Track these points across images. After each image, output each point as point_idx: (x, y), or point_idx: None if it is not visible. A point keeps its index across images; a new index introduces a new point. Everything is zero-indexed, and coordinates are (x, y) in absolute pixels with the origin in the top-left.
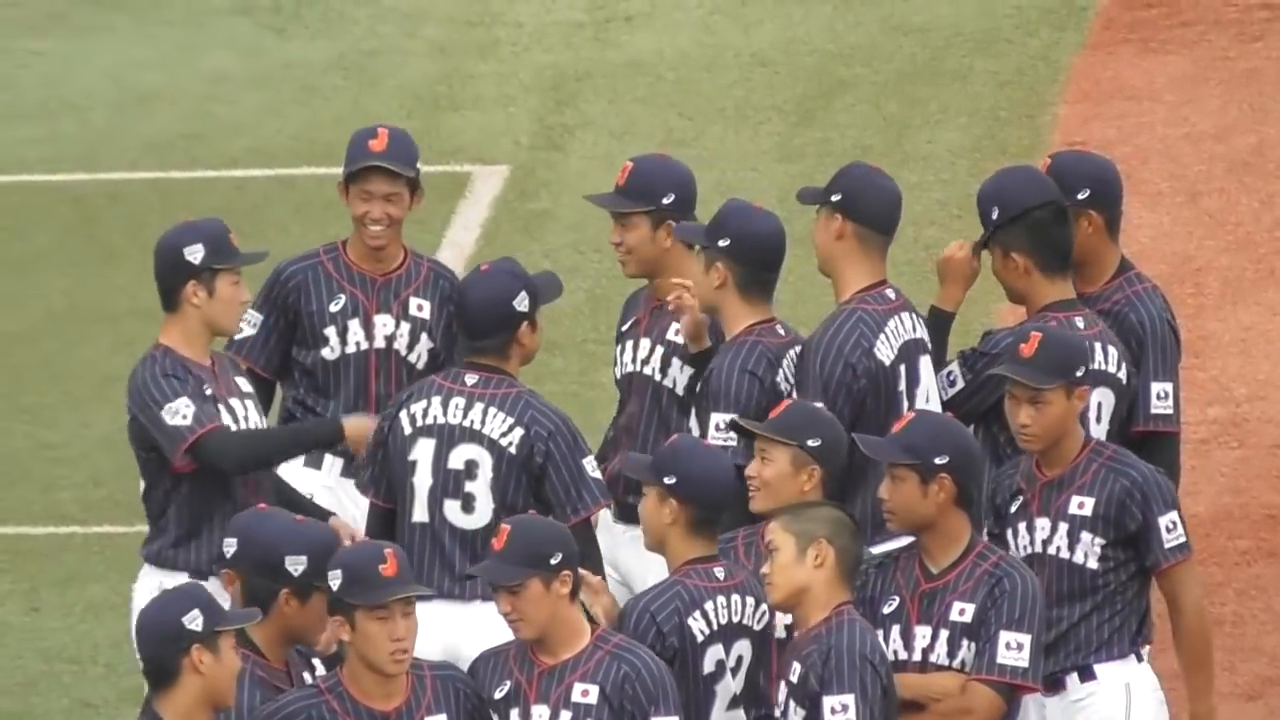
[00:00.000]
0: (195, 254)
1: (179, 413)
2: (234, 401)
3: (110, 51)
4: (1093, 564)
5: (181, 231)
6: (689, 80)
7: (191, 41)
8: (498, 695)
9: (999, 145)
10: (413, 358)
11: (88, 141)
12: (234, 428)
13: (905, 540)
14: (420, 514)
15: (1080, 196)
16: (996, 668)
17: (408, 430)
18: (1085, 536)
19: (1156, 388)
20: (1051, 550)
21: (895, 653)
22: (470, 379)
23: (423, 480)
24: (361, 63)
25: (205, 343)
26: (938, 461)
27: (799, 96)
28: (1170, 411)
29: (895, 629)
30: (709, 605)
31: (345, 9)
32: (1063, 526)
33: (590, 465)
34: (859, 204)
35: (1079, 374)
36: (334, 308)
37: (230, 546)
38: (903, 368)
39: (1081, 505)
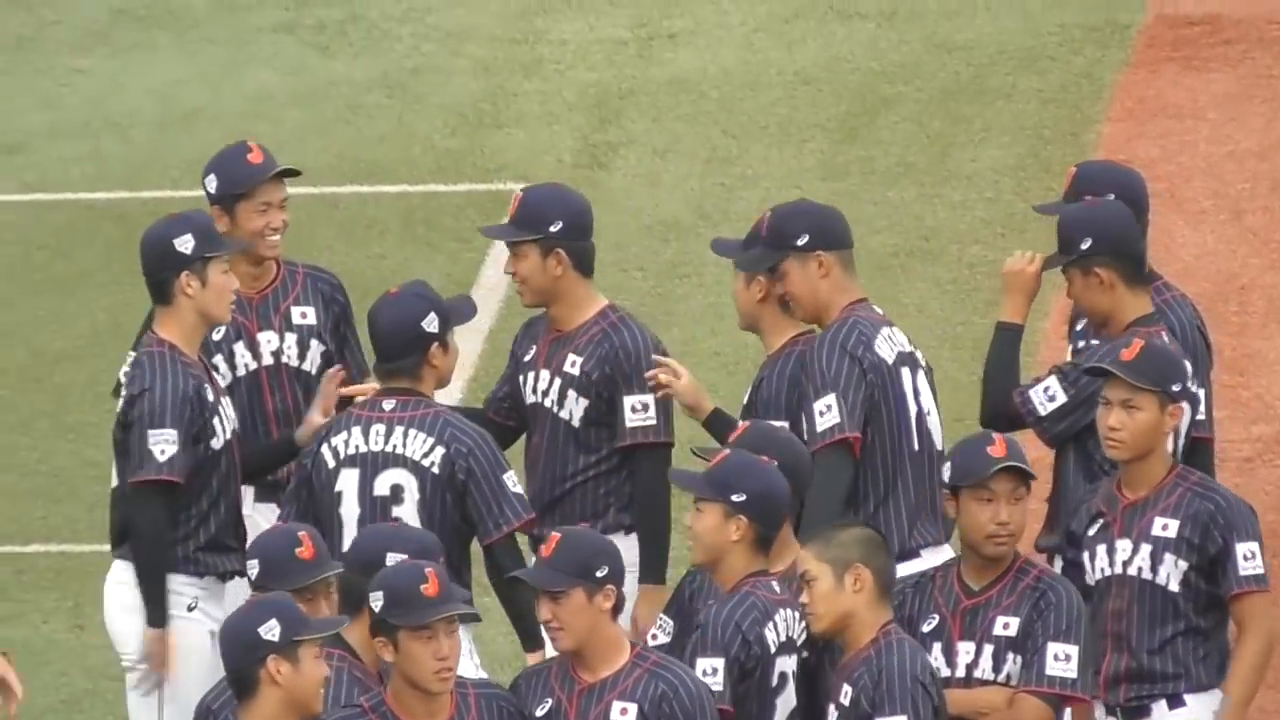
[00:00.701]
0: (186, 244)
1: (160, 443)
2: (223, 401)
3: (153, 70)
4: (1174, 586)
5: (168, 224)
6: (732, 98)
7: (235, 60)
8: (539, 713)
9: (1042, 163)
10: (306, 365)
11: (131, 160)
12: (224, 432)
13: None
14: (350, 543)
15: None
16: (1046, 679)
17: (331, 463)
18: (1168, 558)
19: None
20: (1132, 571)
21: (938, 670)
22: (387, 404)
23: (350, 510)
24: (405, 81)
25: (200, 335)
26: None
27: (842, 114)
28: (1204, 418)
29: (936, 646)
30: (778, 617)
31: (389, 27)
32: (1145, 548)
33: (511, 480)
34: (828, 234)
35: (1175, 389)
36: (216, 335)
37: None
38: (904, 371)
39: (1165, 527)
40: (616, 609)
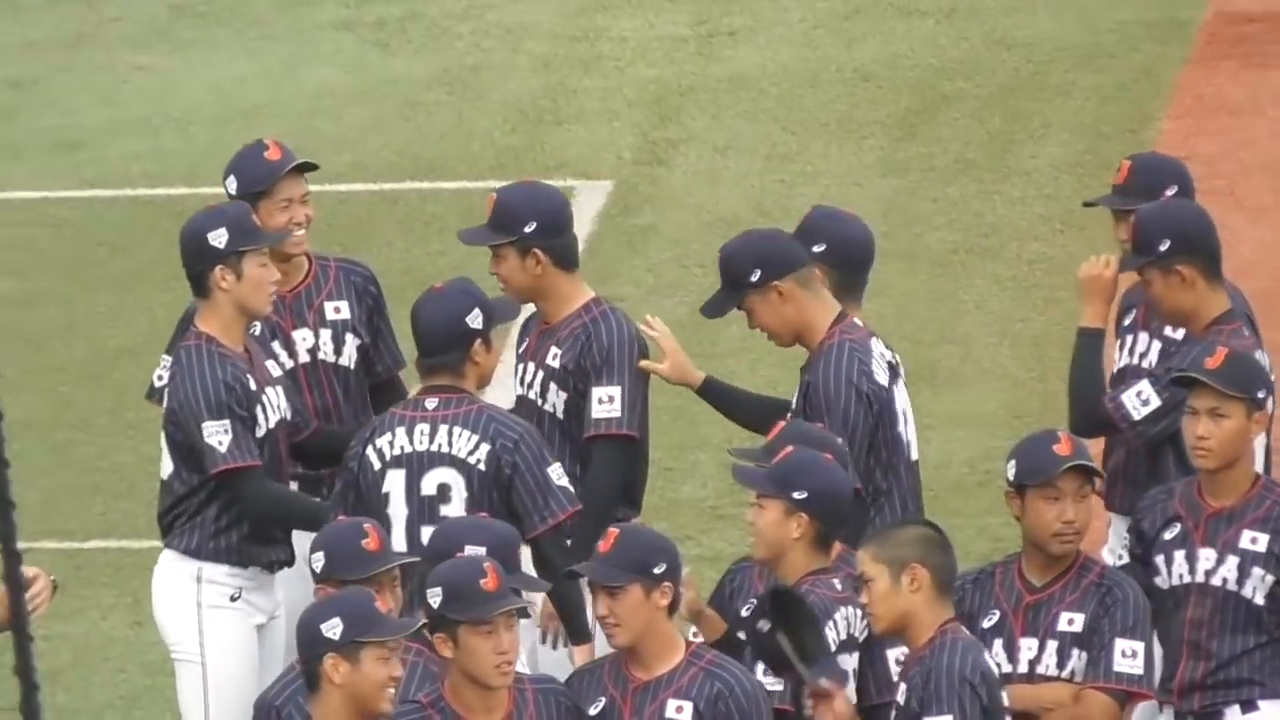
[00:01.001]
0: (219, 238)
1: (216, 434)
2: (269, 391)
3: (213, 66)
4: (1260, 599)
5: (204, 217)
6: (792, 95)
7: (295, 57)
8: (593, 712)
9: (1102, 160)
10: (343, 360)
11: (190, 156)
12: (268, 421)
13: None
14: (398, 544)
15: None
16: (1114, 675)
17: (377, 465)
18: (1257, 572)
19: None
20: (1216, 581)
21: (999, 666)
22: (430, 403)
23: (398, 511)
24: (465, 78)
25: (242, 327)
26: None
27: (902, 111)
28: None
29: (998, 642)
30: (838, 615)
31: (449, 24)
32: (1232, 560)
33: (556, 473)
34: (774, 262)
35: (1260, 395)
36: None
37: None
38: (894, 387)
39: (1255, 540)
40: (672, 606)
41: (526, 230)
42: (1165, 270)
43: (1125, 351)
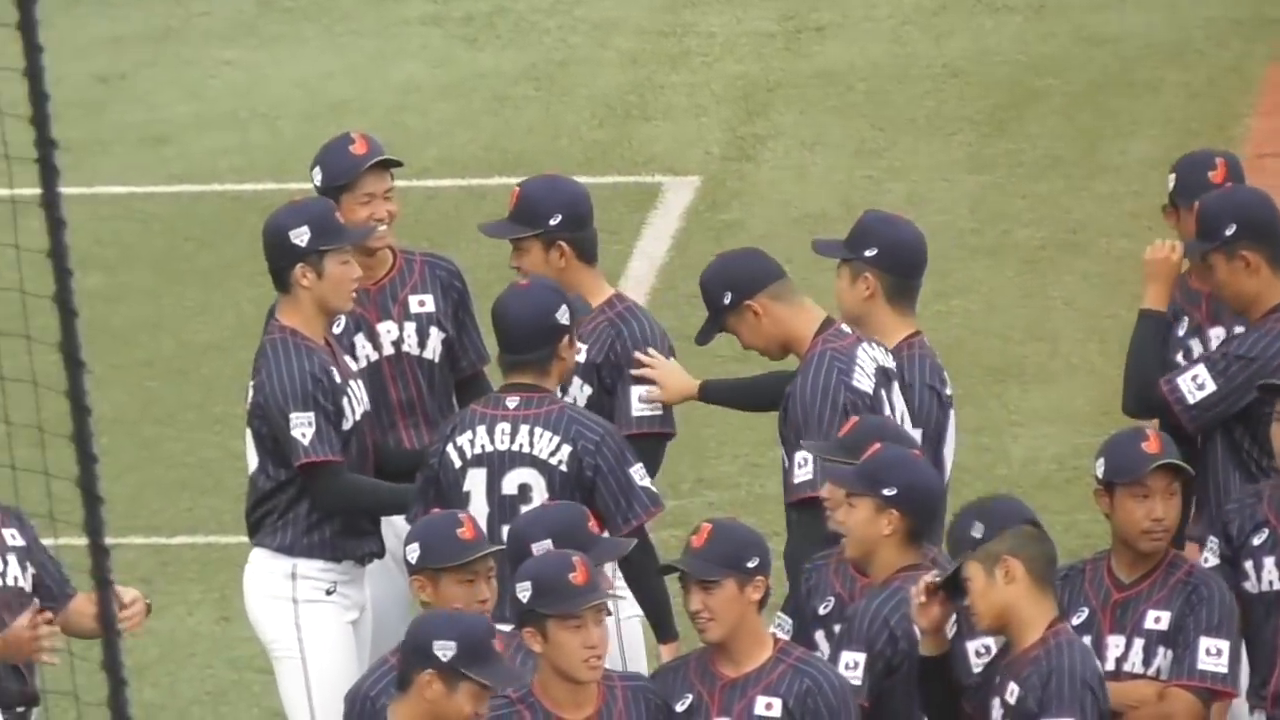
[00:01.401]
0: (301, 236)
1: (300, 426)
2: (352, 384)
3: (300, 61)
4: None
5: (287, 213)
6: (880, 91)
7: (382, 52)
8: (679, 708)
9: None
10: (427, 354)
11: (278, 151)
12: (354, 413)
13: None
14: None
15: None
16: (1198, 673)
17: (457, 464)
18: None
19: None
20: None
21: None
22: (511, 402)
23: (479, 509)
24: (553, 73)
25: (323, 323)
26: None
27: (991, 107)
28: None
29: (1086, 639)
30: None
31: (536, 19)
32: None
33: (639, 473)
34: (744, 281)
35: None
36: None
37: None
38: (883, 393)
39: None
40: (763, 601)
41: (552, 223)
42: (1230, 256)
43: (1222, 344)
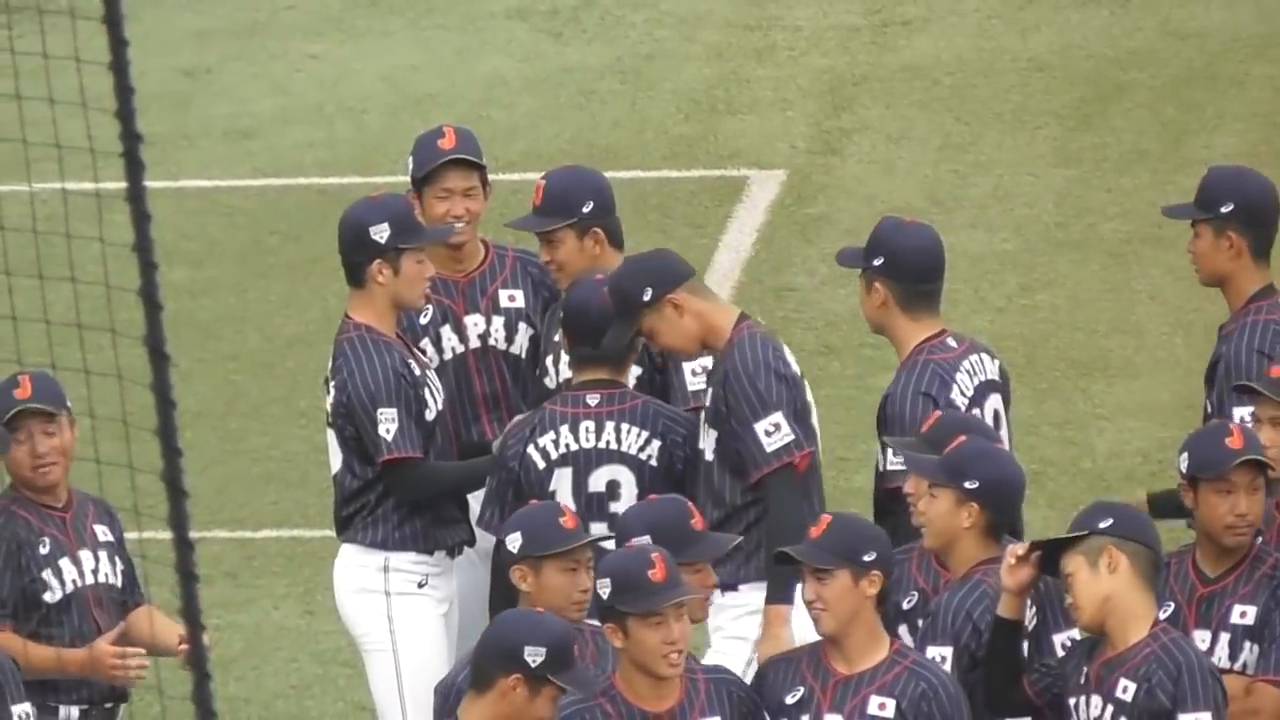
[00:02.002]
0: (381, 233)
1: (384, 423)
2: (430, 375)
3: (386, 55)
4: None
5: (366, 209)
6: (966, 84)
7: (468, 46)
8: (789, 700)
9: (1275, 151)
10: (514, 349)
11: (363, 145)
12: (436, 404)
13: None
14: None
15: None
16: None
17: (541, 465)
18: None
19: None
20: None
21: None
22: (592, 399)
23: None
24: (638, 66)
25: (394, 318)
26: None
27: (1076, 101)
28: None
29: None
30: None
31: (623, 13)
32: None
33: None
34: (663, 278)
35: None
36: (423, 320)
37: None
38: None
39: None
40: (880, 597)
41: (584, 210)
42: (1218, 232)
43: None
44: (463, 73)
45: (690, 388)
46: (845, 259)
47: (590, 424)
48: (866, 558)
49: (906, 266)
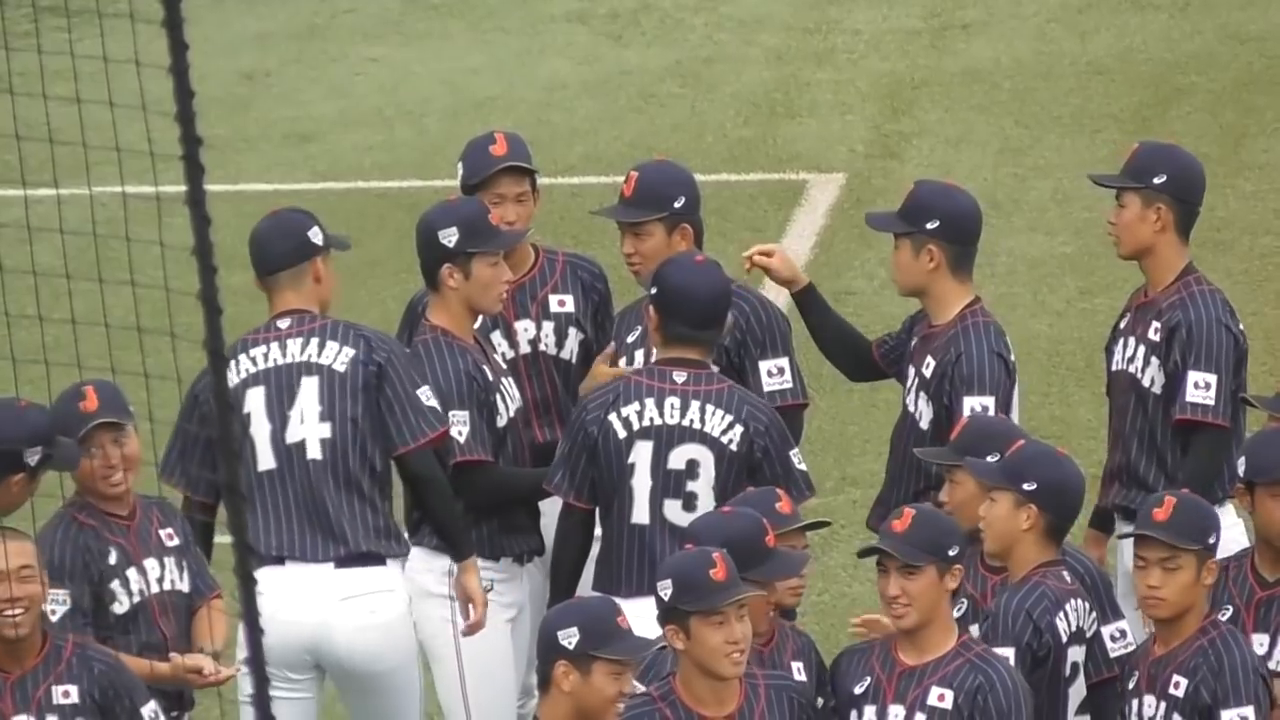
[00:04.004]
0: (449, 237)
1: (456, 425)
2: (504, 381)
3: (446, 58)
4: None
5: (439, 213)
6: (1025, 88)
7: (528, 49)
8: (856, 690)
9: None
10: (564, 354)
11: (423, 148)
12: (508, 409)
13: None
14: (640, 515)
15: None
16: None
17: (622, 434)
18: None
19: (1195, 377)
20: None
21: None
22: (679, 376)
23: (642, 482)
24: (698, 70)
25: (470, 322)
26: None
27: (1135, 105)
28: (1210, 402)
29: None
30: (1068, 606)
31: (683, 16)
32: None
33: (797, 458)
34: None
35: (1211, 541)
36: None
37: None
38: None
39: None
40: (956, 593)
41: (675, 205)
42: (1147, 203)
43: (1120, 355)
44: (522, 76)
45: (766, 389)
46: (879, 222)
47: (675, 400)
48: (951, 552)
49: (964, 228)
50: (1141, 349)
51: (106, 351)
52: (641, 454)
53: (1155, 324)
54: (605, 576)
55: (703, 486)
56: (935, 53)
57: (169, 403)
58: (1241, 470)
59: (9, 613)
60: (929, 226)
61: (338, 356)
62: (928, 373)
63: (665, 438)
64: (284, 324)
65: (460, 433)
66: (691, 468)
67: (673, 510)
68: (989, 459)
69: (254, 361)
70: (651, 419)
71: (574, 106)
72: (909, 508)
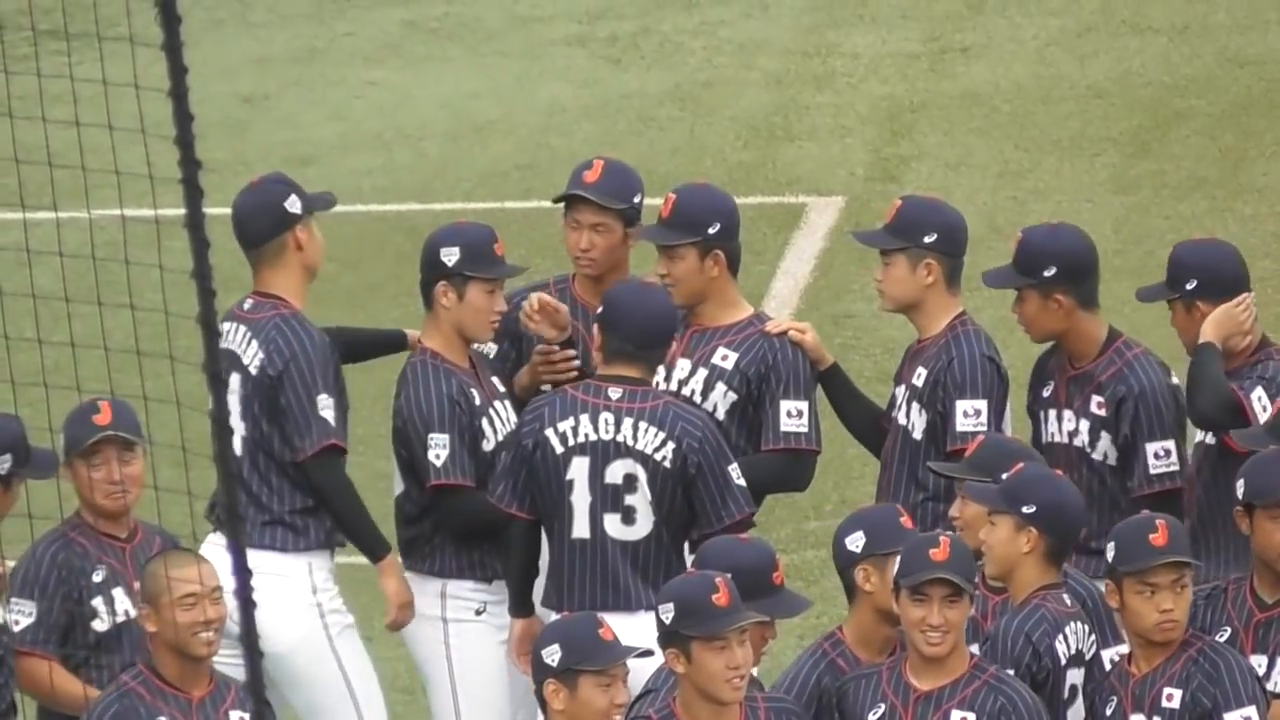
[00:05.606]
0: (450, 256)
1: (435, 448)
2: (496, 405)
3: (445, 82)
4: None
5: (446, 232)
6: (1024, 112)
7: (527, 73)
8: (871, 718)
9: None
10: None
11: (422, 172)
12: (496, 435)
13: None
14: (581, 530)
15: (1047, 274)
16: None
17: (559, 449)
18: None
19: (1154, 448)
20: None
21: None
22: (614, 393)
23: (581, 497)
24: (697, 94)
25: (462, 345)
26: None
27: (1134, 128)
28: (1174, 468)
29: None
30: (1068, 629)
31: (681, 40)
32: None
33: (735, 472)
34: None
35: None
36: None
37: None
38: None
39: None
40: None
41: (710, 231)
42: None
43: (1057, 427)
44: (522, 99)
45: (783, 428)
46: (872, 239)
47: (609, 416)
48: (975, 579)
49: (958, 240)
50: (1085, 423)
51: (106, 374)
52: (579, 469)
53: (1096, 397)
54: (554, 591)
55: (640, 501)
56: (934, 76)
57: (168, 425)
58: (1240, 493)
59: (203, 635)
60: (926, 240)
61: (253, 359)
62: (919, 382)
63: (600, 453)
64: (247, 305)
65: (438, 456)
66: (629, 482)
67: (613, 524)
68: (1004, 477)
69: (226, 338)
70: (586, 434)
71: (573, 130)
72: (946, 536)
